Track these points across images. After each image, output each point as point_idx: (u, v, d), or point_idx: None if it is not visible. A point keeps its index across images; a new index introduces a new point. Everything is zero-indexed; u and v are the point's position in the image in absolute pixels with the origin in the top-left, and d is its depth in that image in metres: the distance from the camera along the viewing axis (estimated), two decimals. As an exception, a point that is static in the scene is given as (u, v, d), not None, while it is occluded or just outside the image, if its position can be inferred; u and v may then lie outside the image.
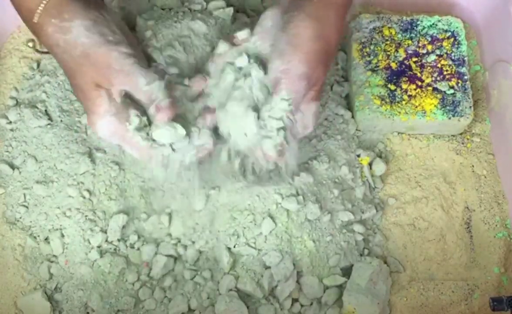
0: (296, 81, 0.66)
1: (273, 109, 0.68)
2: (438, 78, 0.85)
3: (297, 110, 0.68)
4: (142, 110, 0.69)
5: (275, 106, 0.67)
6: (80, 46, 0.64)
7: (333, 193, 0.78)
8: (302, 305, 0.75)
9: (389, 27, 0.89)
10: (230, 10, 0.86)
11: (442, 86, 0.85)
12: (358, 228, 0.78)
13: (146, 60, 0.73)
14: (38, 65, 0.86)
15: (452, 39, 0.88)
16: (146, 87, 0.66)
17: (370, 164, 0.83)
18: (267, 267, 0.75)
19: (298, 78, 0.66)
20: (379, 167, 0.82)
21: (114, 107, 0.66)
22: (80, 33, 0.64)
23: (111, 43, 0.65)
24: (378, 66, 0.86)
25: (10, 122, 0.82)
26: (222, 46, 0.74)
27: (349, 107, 0.86)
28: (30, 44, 0.81)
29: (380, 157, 0.84)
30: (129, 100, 0.68)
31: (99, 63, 0.64)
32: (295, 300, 0.75)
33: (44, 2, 0.64)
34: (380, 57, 0.87)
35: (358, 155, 0.82)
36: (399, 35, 0.88)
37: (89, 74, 0.64)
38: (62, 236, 0.75)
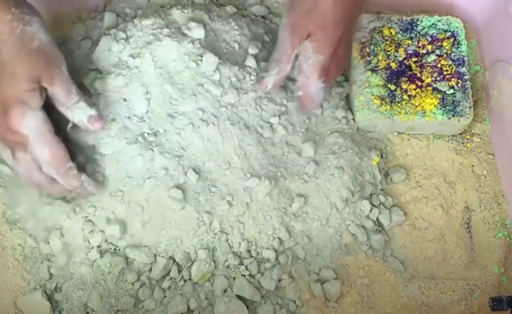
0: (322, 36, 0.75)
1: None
2: (438, 78, 0.85)
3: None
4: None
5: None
6: (37, 40, 0.69)
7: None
8: None
9: (389, 27, 0.89)
10: (231, 8, 0.86)
11: (442, 86, 0.85)
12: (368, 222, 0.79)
13: None
14: (38, 65, 0.86)
15: (452, 39, 0.88)
16: (76, 99, 0.72)
17: (383, 169, 0.83)
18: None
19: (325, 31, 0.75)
20: (397, 175, 0.83)
21: (40, 105, 0.70)
22: (38, 29, 0.69)
23: (57, 47, 0.71)
24: (378, 66, 0.86)
25: (10, 122, 0.82)
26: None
27: (349, 107, 0.86)
28: None
29: (382, 157, 0.84)
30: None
31: (51, 61, 0.69)
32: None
33: None
34: (380, 57, 0.87)
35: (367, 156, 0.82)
36: (399, 35, 0.88)
37: (36, 67, 0.68)
38: (62, 235, 0.75)
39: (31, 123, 0.68)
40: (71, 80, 0.72)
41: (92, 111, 0.72)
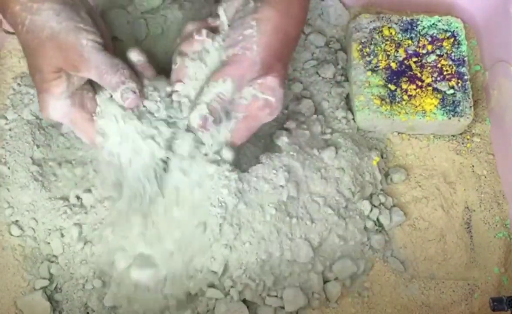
0: (246, 67, 0.68)
1: (211, 85, 0.69)
2: (438, 78, 0.86)
3: (239, 91, 0.70)
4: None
5: (213, 86, 0.69)
6: (48, 29, 0.64)
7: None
8: None
9: (389, 27, 0.89)
10: None
11: (442, 86, 0.85)
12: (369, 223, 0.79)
13: (114, 51, 0.72)
14: (38, 65, 0.86)
15: (452, 39, 0.88)
16: (111, 78, 0.67)
17: (383, 169, 0.83)
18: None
19: (250, 64, 0.68)
20: (397, 175, 0.83)
21: (70, 91, 0.68)
22: (49, 17, 0.64)
23: (81, 30, 0.65)
24: (378, 66, 0.86)
25: (9, 122, 0.82)
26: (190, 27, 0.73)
27: (349, 107, 0.86)
28: None
29: (382, 157, 0.84)
30: (89, 86, 0.69)
31: (67, 49, 0.65)
32: None
33: None
34: (380, 57, 0.87)
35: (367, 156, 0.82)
36: (399, 35, 0.88)
37: (53, 57, 0.65)
38: (62, 236, 0.75)
39: (57, 113, 0.68)
40: (110, 62, 0.66)
41: (125, 87, 0.67)
